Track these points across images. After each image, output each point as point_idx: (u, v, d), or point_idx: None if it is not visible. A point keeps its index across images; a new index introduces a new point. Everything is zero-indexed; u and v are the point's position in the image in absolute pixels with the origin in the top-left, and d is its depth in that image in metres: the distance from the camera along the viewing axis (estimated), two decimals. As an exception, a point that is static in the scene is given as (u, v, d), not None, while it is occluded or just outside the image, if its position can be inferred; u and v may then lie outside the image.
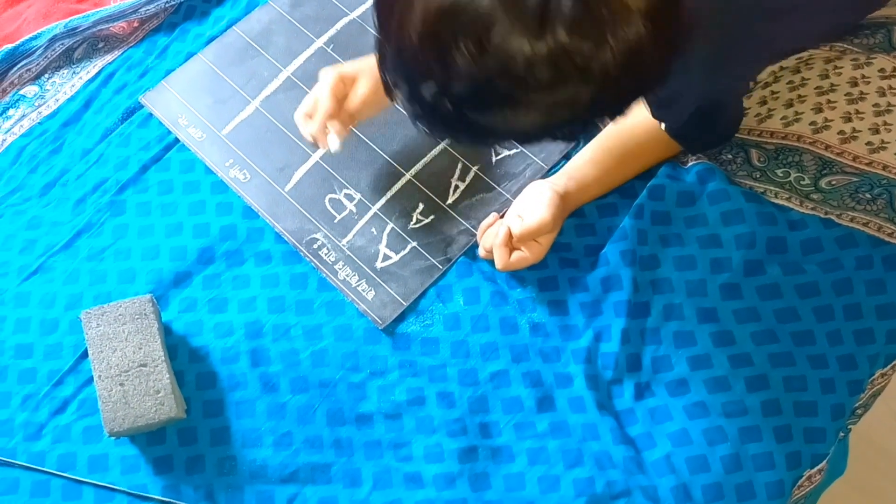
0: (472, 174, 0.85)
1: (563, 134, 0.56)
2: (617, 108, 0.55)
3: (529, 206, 0.77)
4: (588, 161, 0.81)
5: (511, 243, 0.77)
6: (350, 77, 0.78)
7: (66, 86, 0.93)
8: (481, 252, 0.80)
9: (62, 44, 0.94)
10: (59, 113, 0.91)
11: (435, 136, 0.59)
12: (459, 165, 0.86)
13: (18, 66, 0.93)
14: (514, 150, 0.86)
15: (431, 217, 0.83)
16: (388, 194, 0.85)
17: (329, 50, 0.91)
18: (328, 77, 0.77)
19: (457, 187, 0.85)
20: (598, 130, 0.81)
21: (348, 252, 0.82)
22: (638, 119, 0.81)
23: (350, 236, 0.83)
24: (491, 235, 0.78)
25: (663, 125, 0.78)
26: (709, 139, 0.82)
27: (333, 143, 0.76)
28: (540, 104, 0.50)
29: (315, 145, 0.79)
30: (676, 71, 0.52)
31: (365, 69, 0.78)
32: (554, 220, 0.76)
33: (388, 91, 0.57)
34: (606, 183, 0.81)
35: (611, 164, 0.80)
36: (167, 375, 0.73)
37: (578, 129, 0.59)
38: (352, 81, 0.78)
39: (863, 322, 0.76)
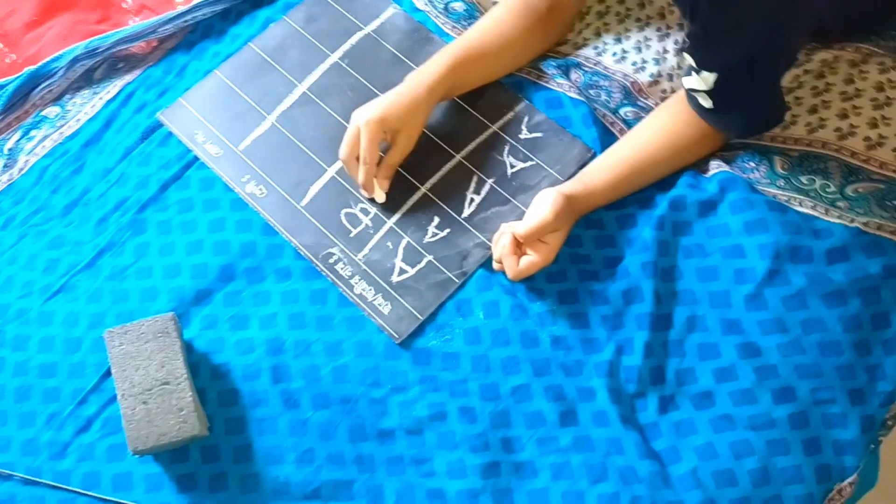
0: (487, 187, 0.84)
1: None
2: None
3: (532, 207, 0.77)
4: (599, 166, 0.81)
5: (518, 250, 0.77)
6: (392, 128, 0.81)
7: (86, 106, 0.94)
8: (495, 265, 0.80)
9: (83, 64, 0.95)
10: (81, 133, 0.92)
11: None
12: (475, 178, 0.85)
13: (40, 87, 0.95)
14: (530, 163, 0.86)
15: (447, 230, 0.83)
16: (404, 208, 0.84)
17: (344, 65, 0.91)
18: (371, 130, 0.79)
19: (472, 200, 0.84)
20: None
21: (364, 266, 0.82)
22: (652, 128, 0.80)
23: (366, 250, 0.83)
24: (500, 246, 0.78)
25: (701, 99, 0.75)
26: (751, 118, 0.79)
27: (380, 196, 0.83)
28: None
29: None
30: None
31: (409, 123, 0.81)
32: (556, 218, 0.76)
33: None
34: (618, 188, 0.81)
35: (622, 171, 0.80)
36: (190, 393, 0.73)
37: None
38: (393, 132, 0.81)
39: (891, 331, 0.74)
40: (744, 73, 0.72)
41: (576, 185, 0.80)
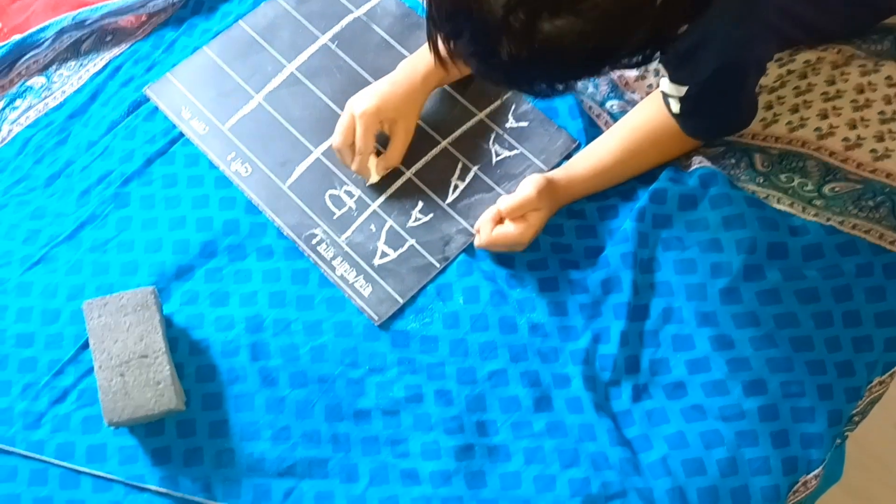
0: (471, 174, 0.85)
1: (635, 50, 0.55)
2: (686, 14, 0.54)
3: (518, 188, 0.79)
4: (583, 156, 0.82)
5: (498, 222, 0.78)
6: (389, 118, 0.81)
7: (73, 78, 0.93)
8: (476, 241, 0.80)
9: (70, 36, 0.95)
10: (66, 105, 0.92)
11: (507, 81, 0.58)
12: (459, 165, 0.86)
13: (26, 57, 0.94)
14: (515, 152, 0.86)
15: (430, 215, 0.84)
16: (388, 192, 0.85)
17: (333, 47, 0.92)
18: (367, 121, 0.80)
19: (456, 186, 0.85)
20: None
21: (347, 248, 0.82)
22: (636, 122, 0.81)
23: (349, 233, 0.83)
24: (481, 217, 0.80)
25: (672, 105, 0.76)
26: (719, 124, 0.81)
27: (374, 178, 0.84)
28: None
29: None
30: (705, 17, 0.53)
31: (405, 112, 0.81)
32: (539, 196, 0.77)
33: (443, 56, 0.57)
34: (600, 179, 0.82)
35: (606, 162, 0.81)
36: (167, 367, 0.73)
37: (650, 45, 0.56)
38: (390, 122, 0.81)
39: (862, 329, 0.76)
40: (713, 87, 0.73)
41: (560, 172, 0.81)
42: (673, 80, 0.75)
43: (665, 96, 0.77)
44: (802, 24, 0.78)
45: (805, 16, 0.77)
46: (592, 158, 0.81)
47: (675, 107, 0.76)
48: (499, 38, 0.53)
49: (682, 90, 0.75)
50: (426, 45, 0.81)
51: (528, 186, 0.78)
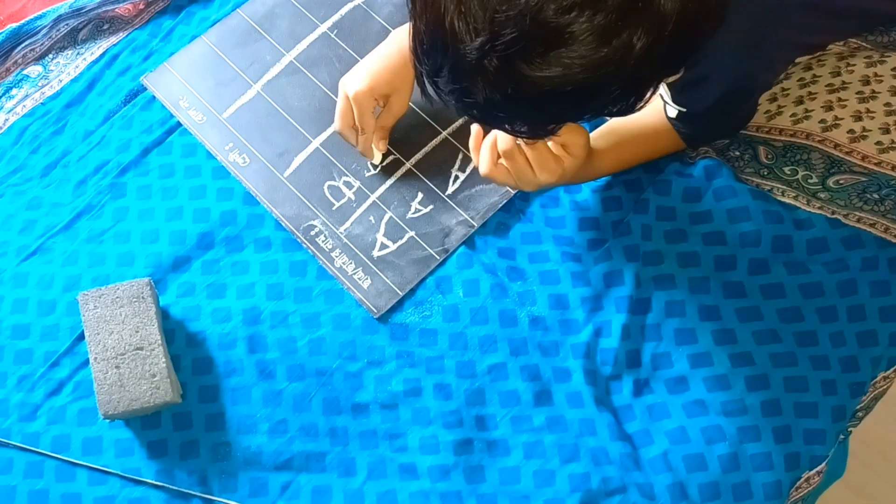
0: (472, 165, 0.84)
1: (617, 98, 0.54)
2: (666, 67, 0.53)
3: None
4: (604, 132, 0.79)
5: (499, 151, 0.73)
6: (383, 94, 0.79)
7: (69, 67, 0.92)
8: (484, 166, 0.73)
9: (67, 24, 0.94)
10: (63, 94, 0.91)
11: (486, 120, 0.56)
12: (460, 156, 0.85)
13: (22, 45, 0.93)
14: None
15: (430, 207, 0.83)
16: (388, 183, 0.84)
17: (333, 35, 0.90)
18: (365, 98, 0.78)
19: (457, 178, 0.84)
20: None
21: (346, 240, 0.81)
22: (644, 111, 0.80)
23: (348, 224, 0.82)
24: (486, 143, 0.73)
25: (669, 110, 0.76)
26: (714, 135, 0.81)
27: (378, 157, 0.83)
28: (590, 44, 0.48)
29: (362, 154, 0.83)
30: (709, 51, 0.51)
31: (398, 87, 0.79)
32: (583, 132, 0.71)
33: (425, 86, 0.56)
34: (606, 160, 0.79)
35: (613, 142, 0.78)
36: (163, 359, 0.72)
37: (631, 94, 0.54)
38: (384, 98, 0.80)
39: (866, 324, 0.75)
40: (713, 108, 0.72)
41: None
42: (674, 101, 0.74)
43: (664, 100, 0.76)
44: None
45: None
46: (600, 138, 0.79)
47: (672, 112, 0.75)
48: (475, 80, 0.52)
49: (682, 108, 0.74)
50: None
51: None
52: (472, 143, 0.75)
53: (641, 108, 0.56)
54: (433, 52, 0.53)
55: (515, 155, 0.71)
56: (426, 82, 0.56)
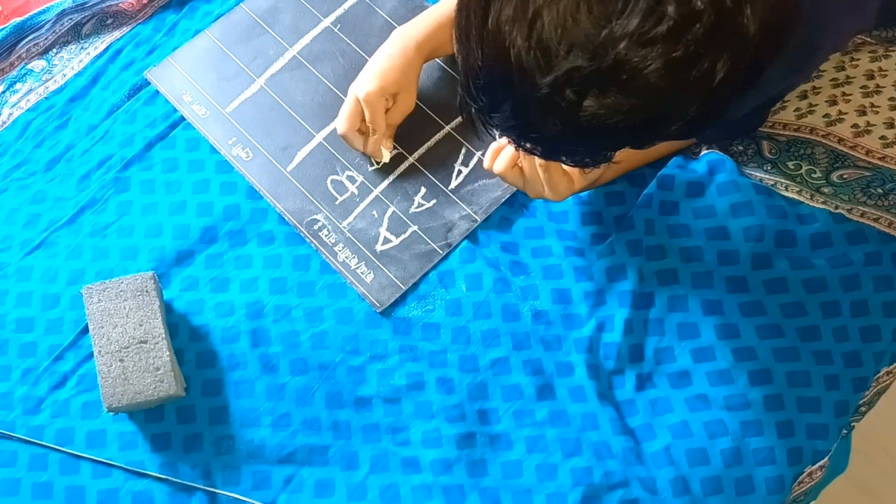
0: (475, 159, 0.84)
1: (686, 124, 0.51)
2: (741, 89, 0.49)
3: None
4: None
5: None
6: (392, 93, 0.79)
7: (73, 61, 0.92)
8: (498, 165, 0.73)
9: (71, 19, 0.94)
10: (66, 88, 0.91)
11: (545, 154, 0.54)
12: (463, 150, 0.85)
13: (26, 40, 0.93)
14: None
15: (433, 201, 0.83)
16: (391, 177, 0.84)
17: (336, 30, 0.90)
18: (374, 104, 0.78)
19: (460, 172, 0.84)
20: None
21: (349, 234, 0.81)
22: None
23: (351, 218, 0.82)
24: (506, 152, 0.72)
25: None
26: (733, 136, 0.80)
27: (387, 157, 0.83)
28: (666, 78, 0.46)
29: (369, 159, 0.84)
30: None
31: (405, 85, 0.80)
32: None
33: (473, 122, 0.54)
34: (626, 164, 0.80)
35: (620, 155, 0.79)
36: (167, 353, 0.72)
37: (700, 120, 0.51)
38: (392, 97, 0.80)
39: (869, 319, 0.75)
40: (745, 118, 0.71)
41: None
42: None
43: None
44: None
45: None
46: None
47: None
48: (543, 116, 0.49)
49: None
50: (419, 15, 0.79)
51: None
52: (494, 144, 0.73)
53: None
54: (493, 88, 0.50)
55: (535, 168, 0.70)
56: (477, 118, 0.54)
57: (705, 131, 0.54)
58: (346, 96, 0.83)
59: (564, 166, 0.70)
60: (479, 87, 0.51)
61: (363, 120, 0.80)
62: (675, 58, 0.45)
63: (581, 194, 0.82)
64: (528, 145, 0.53)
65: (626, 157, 0.78)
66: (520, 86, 0.48)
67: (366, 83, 0.79)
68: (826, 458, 0.73)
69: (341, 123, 0.81)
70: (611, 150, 0.56)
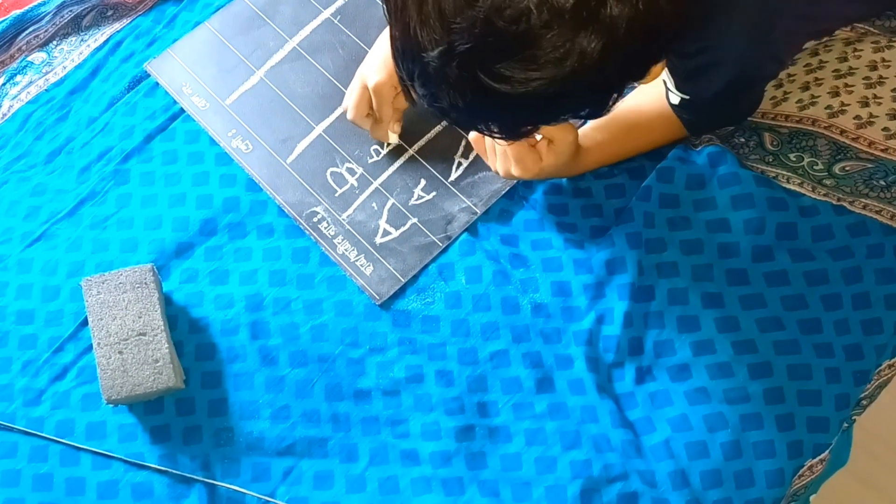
0: (475, 151, 0.84)
1: (582, 102, 0.55)
2: (630, 70, 0.54)
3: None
4: (592, 127, 0.79)
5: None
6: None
7: (73, 53, 0.92)
8: (501, 167, 0.76)
9: (71, 11, 0.93)
10: (66, 80, 0.91)
11: (460, 123, 0.58)
12: (463, 143, 0.84)
13: (26, 32, 0.93)
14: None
15: (433, 194, 0.82)
16: (390, 170, 0.84)
17: (336, 21, 0.90)
18: (386, 88, 0.78)
19: (459, 164, 0.84)
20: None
21: (348, 226, 0.81)
22: (647, 97, 0.80)
23: (350, 211, 0.82)
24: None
25: (672, 97, 0.75)
26: (718, 123, 0.80)
27: (395, 139, 0.83)
28: (548, 51, 0.49)
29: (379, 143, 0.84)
30: (718, 37, 0.51)
31: None
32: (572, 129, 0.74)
33: (407, 90, 0.58)
34: (609, 150, 0.79)
35: (615, 134, 0.78)
36: (166, 345, 0.72)
37: (596, 99, 0.56)
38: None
39: (871, 312, 0.74)
40: (718, 97, 0.72)
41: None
42: (678, 88, 0.73)
43: (666, 87, 0.75)
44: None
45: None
46: (602, 130, 0.78)
47: (675, 99, 0.75)
48: (439, 86, 0.53)
49: (686, 95, 0.73)
50: None
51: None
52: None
53: (609, 111, 0.57)
54: (405, 58, 0.55)
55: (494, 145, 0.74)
56: (402, 87, 0.58)
57: (604, 112, 0.57)
58: (346, 89, 0.83)
59: (529, 142, 0.72)
60: (396, 56, 0.56)
61: (371, 106, 0.80)
62: (551, 35, 0.49)
63: (580, 186, 0.82)
64: (451, 115, 0.57)
65: (608, 141, 0.79)
66: (417, 58, 0.53)
67: (375, 72, 0.78)
68: (827, 452, 0.73)
69: (351, 110, 0.80)
70: (520, 126, 0.58)
